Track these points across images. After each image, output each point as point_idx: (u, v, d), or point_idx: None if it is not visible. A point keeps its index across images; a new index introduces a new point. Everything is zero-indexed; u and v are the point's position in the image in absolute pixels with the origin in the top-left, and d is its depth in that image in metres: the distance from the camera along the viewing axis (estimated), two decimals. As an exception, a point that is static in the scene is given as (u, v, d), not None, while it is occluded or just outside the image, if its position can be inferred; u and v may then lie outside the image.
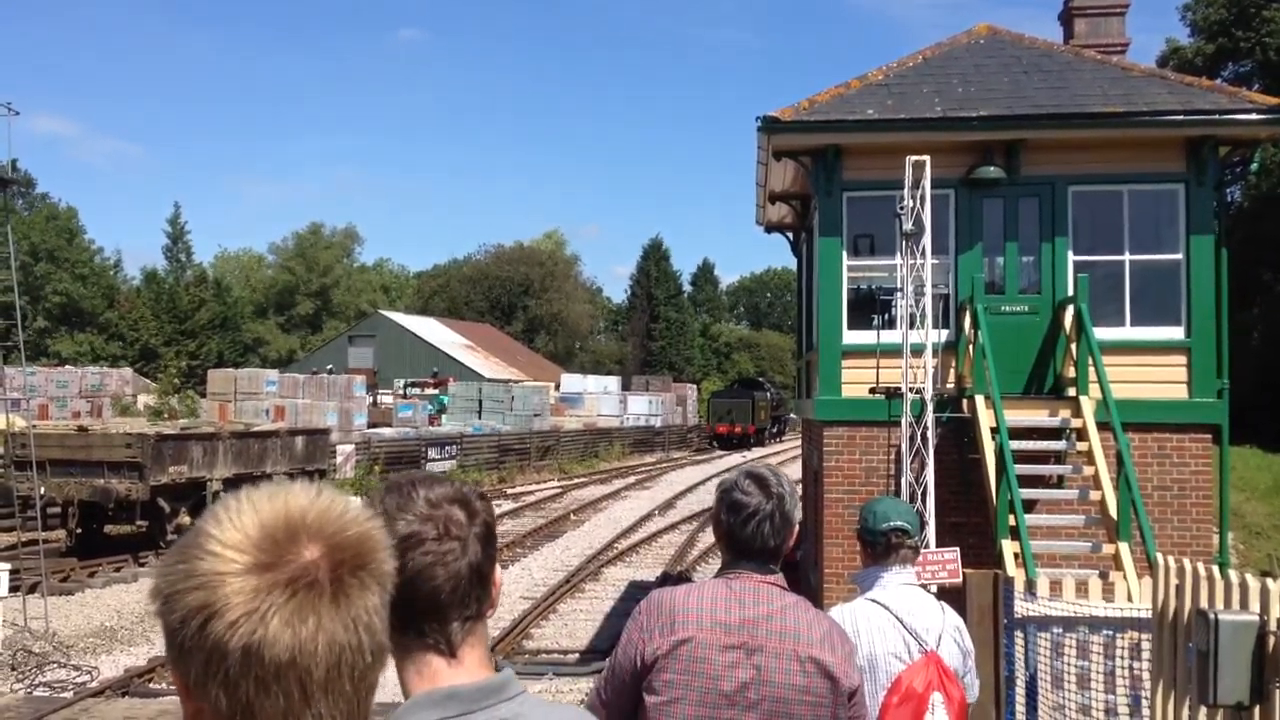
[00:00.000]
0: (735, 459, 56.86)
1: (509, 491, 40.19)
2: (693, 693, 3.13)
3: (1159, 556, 6.65)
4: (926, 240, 13.29)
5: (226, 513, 1.34)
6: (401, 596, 1.81)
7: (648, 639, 3.17)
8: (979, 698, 7.83)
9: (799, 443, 68.72)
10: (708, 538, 25.73)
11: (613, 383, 76.61)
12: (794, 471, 29.38)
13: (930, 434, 13.25)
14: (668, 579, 21.02)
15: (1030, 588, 8.49)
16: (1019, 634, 8.23)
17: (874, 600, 4.83)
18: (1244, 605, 5.49)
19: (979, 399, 13.36)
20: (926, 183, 13.24)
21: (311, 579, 1.28)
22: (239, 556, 1.28)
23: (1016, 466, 12.30)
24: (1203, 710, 5.56)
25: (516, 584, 21.78)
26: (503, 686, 1.91)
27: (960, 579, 8.80)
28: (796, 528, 3.54)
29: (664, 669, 3.13)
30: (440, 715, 1.85)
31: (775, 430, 78.85)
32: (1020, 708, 8.16)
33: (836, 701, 3.27)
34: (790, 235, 20.89)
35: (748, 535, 3.39)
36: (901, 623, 4.76)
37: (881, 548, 4.92)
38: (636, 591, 20.80)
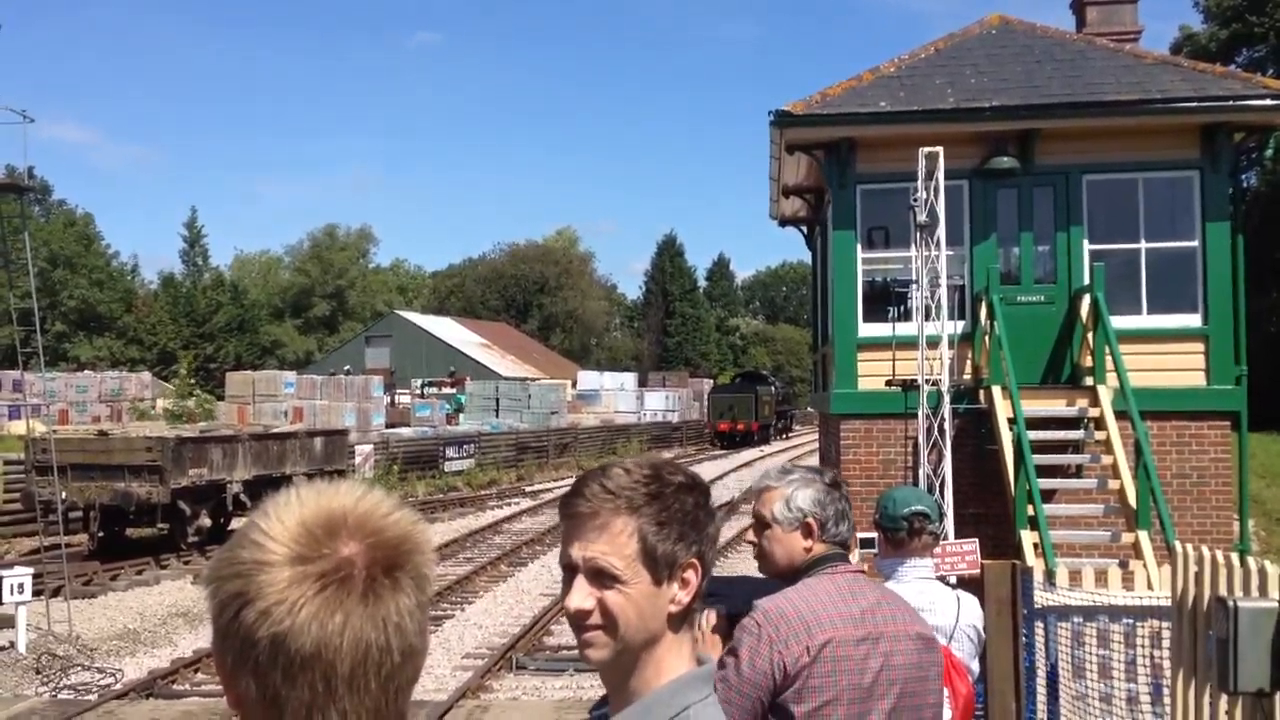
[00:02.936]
0: (750, 454, 56.52)
1: (527, 489, 40.25)
2: (842, 692, 3.13)
3: (1178, 544, 6.64)
4: (941, 231, 13.28)
5: (275, 507, 1.37)
6: (704, 589, 1.95)
7: (784, 649, 3.11)
8: (1000, 688, 7.83)
9: (808, 440, 68.57)
10: (728, 530, 25.67)
11: (629, 379, 76.62)
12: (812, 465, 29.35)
13: (948, 425, 13.25)
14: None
15: (1050, 577, 8.48)
16: (1039, 624, 8.22)
17: None
18: (1263, 592, 5.48)
19: (996, 390, 13.35)
20: (940, 174, 13.23)
21: (344, 575, 1.30)
22: (278, 548, 1.31)
23: (1035, 456, 12.28)
24: (1223, 698, 5.55)
25: (536, 581, 21.82)
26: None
27: (979, 570, 8.80)
28: None
29: (811, 675, 3.10)
30: (708, 690, 1.92)
31: (781, 426, 74.91)
32: (1041, 698, 8.15)
33: (940, 672, 3.41)
34: (804, 229, 20.88)
35: (841, 531, 3.54)
36: None
37: (904, 534, 4.85)
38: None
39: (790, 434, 78.25)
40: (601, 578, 1.89)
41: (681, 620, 1.92)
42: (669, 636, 1.91)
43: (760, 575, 3.69)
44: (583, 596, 1.90)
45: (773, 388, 71.85)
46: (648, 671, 1.91)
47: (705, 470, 46.91)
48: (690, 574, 1.91)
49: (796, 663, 3.10)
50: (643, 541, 1.89)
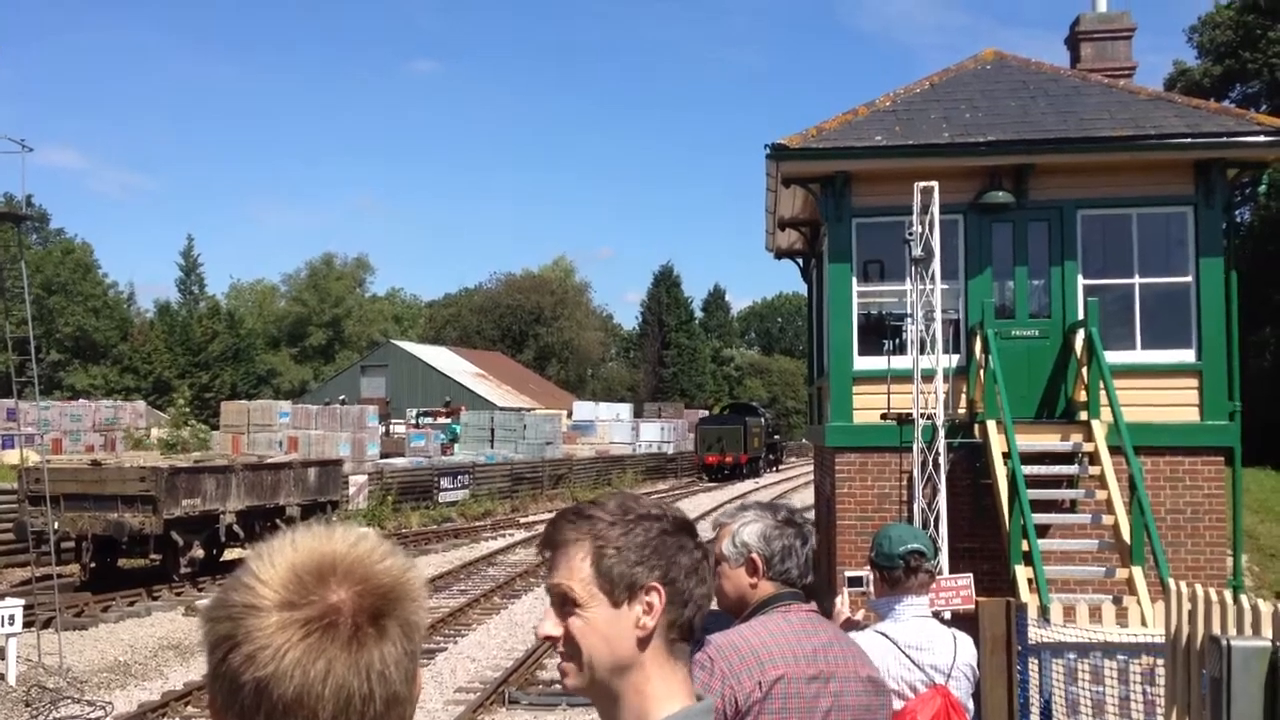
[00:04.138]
0: (745, 486, 56.46)
1: (522, 520, 40.15)
2: None
3: (1171, 581, 6.63)
4: (936, 265, 13.32)
5: (269, 550, 1.38)
6: (690, 616, 1.94)
7: (736, 684, 3.07)
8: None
9: (797, 473, 68.36)
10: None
11: (625, 410, 76.68)
12: (805, 498, 29.35)
13: (942, 459, 13.24)
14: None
15: (1044, 614, 8.47)
16: (1033, 660, 8.20)
17: (881, 633, 4.79)
18: (1256, 631, 5.47)
19: (990, 424, 13.35)
20: (935, 208, 13.27)
21: (329, 621, 1.30)
22: (267, 593, 1.31)
23: (1029, 491, 12.28)
24: (1218, 737, 5.53)
25: (529, 614, 21.74)
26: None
27: (974, 605, 8.78)
28: None
29: (762, 711, 3.07)
30: None
31: (771, 459, 73.40)
32: (1035, 735, 8.12)
33: (888, 715, 3.40)
34: (800, 261, 20.93)
35: (799, 569, 3.51)
36: (909, 658, 4.71)
37: (900, 572, 4.83)
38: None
39: (780, 466, 77.19)
40: (565, 604, 1.95)
41: (658, 646, 1.92)
42: (646, 665, 1.91)
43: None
44: (550, 624, 1.98)
45: (762, 419, 70.57)
46: (633, 702, 1.91)
47: (697, 503, 46.88)
48: (653, 598, 1.92)
49: (748, 698, 3.07)
50: (596, 565, 1.94)
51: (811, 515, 26.30)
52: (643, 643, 1.92)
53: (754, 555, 3.49)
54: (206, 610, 1.37)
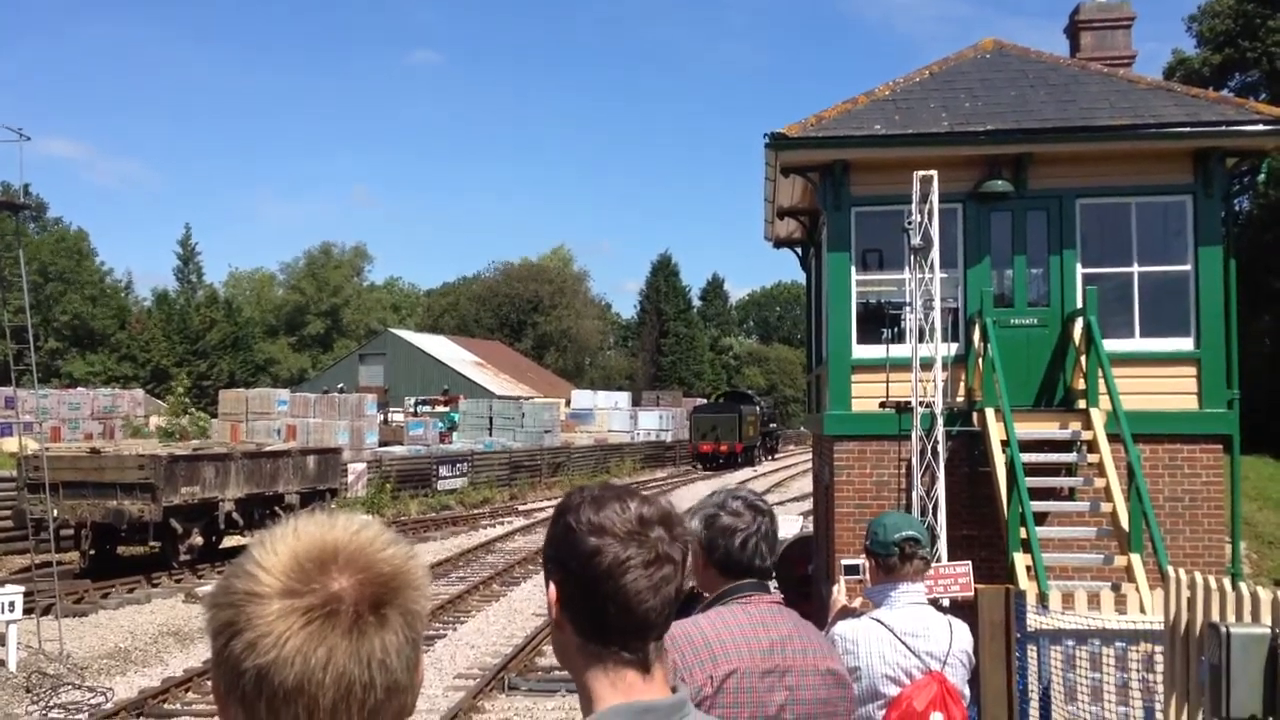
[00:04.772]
0: (743, 474, 56.49)
1: (520, 508, 40.21)
2: None
3: (1170, 569, 6.66)
4: (935, 254, 13.32)
5: (272, 538, 1.39)
6: (610, 613, 1.89)
7: (688, 677, 3.04)
8: (994, 711, 7.83)
9: (793, 462, 68.27)
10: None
11: (623, 398, 76.73)
12: (802, 486, 29.35)
13: (941, 448, 13.26)
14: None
15: (1042, 601, 8.50)
16: (1032, 647, 8.23)
17: (878, 620, 4.80)
18: (1255, 618, 5.50)
19: (989, 412, 13.36)
20: (934, 197, 13.27)
21: (330, 610, 1.31)
22: (269, 580, 1.32)
23: (1027, 479, 12.29)
24: (1216, 723, 5.55)
25: (528, 600, 21.79)
26: (684, 705, 1.93)
27: (972, 593, 8.80)
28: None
29: (713, 705, 3.05)
30: None
31: (767, 447, 73.30)
32: (1034, 721, 8.15)
33: (850, 709, 3.35)
34: (799, 250, 20.92)
35: (746, 557, 3.40)
36: (904, 645, 4.73)
37: (895, 559, 4.85)
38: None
39: (776, 455, 76.97)
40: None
41: (579, 643, 1.93)
42: (575, 660, 1.95)
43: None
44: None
45: (758, 407, 70.21)
46: (580, 696, 1.97)
47: (695, 490, 46.88)
48: (551, 588, 1.97)
49: (699, 692, 3.04)
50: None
51: (809, 504, 26.31)
52: (555, 636, 1.99)
53: (696, 542, 3.38)
54: (209, 597, 1.38)
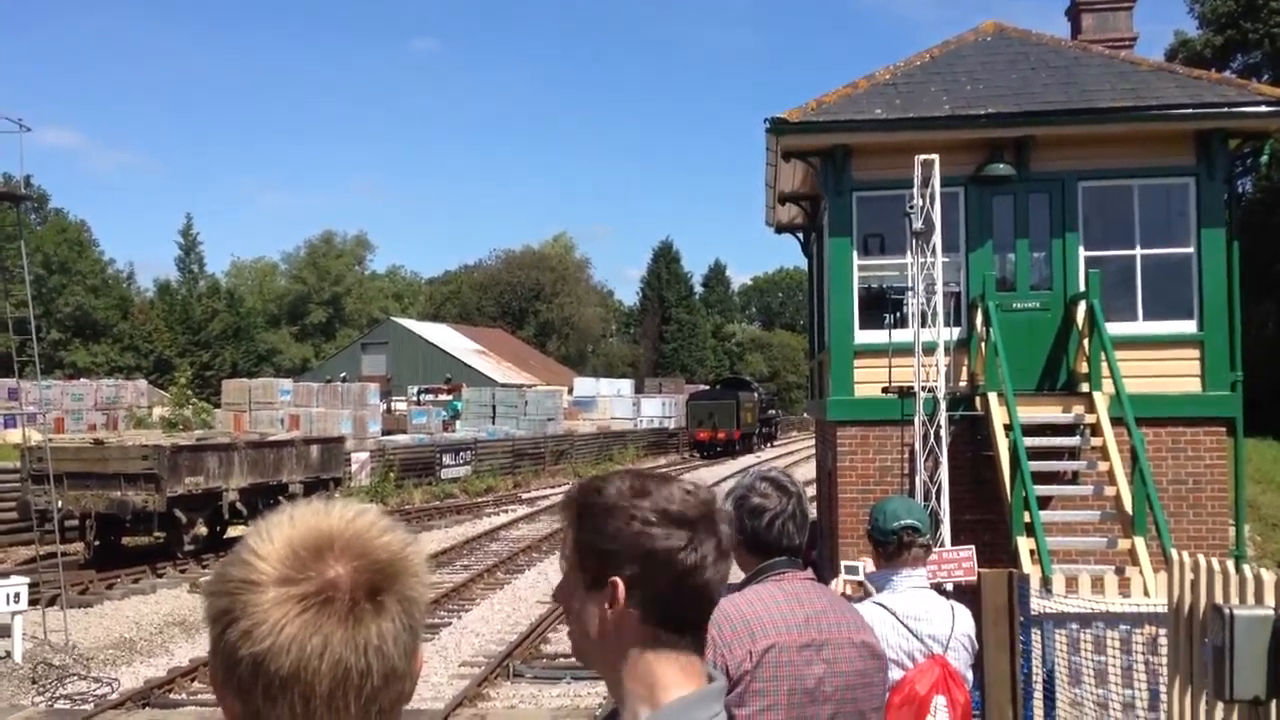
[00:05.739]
0: (746, 460, 56.45)
1: (524, 496, 40.24)
2: (784, 696, 3.15)
3: (1174, 551, 6.65)
4: (937, 238, 13.29)
5: (268, 525, 1.38)
6: (688, 602, 1.87)
7: (728, 653, 3.12)
8: (997, 695, 7.84)
9: (794, 448, 68.21)
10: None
11: (625, 385, 76.76)
12: (804, 473, 29.36)
13: (944, 432, 13.25)
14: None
15: (1046, 584, 8.49)
16: (1036, 631, 8.23)
17: (879, 604, 4.81)
18: (1259, 600, 5.49)
19: (992, 396, 13.35)
20: (936, 181, 13.24)
21: (326, 597, 1.30)
22: (265, 568, 1.31)
23: (1031, 463, 12.29)
24: (1220, 705, 5.56)
25: (533, 588, 21.82)
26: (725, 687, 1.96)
27: (975, 577, 8.80)
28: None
29: (754, 679, 3.11)
30: (719, 708, 1.87)
31: (765, 434, 72.67)
32: (1038, 705, 8.16)
33: (884, 680, 3.45)
34: (801, 235, 20.90)
35: (774, 536, 3.47)
36: (907, 628, 4.74)
37: (893, 547, 4.86)
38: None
39: (775, 442, 76.58)
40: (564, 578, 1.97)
41: (635, 634, 1.88)
42: (632, 650, 1.87)
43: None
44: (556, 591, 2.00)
45: (756, 394, 69.48)
46: (630, 685, 1.88)
47: (697, 476, 46.72)
48: (620, 585, 1.87)
49: (739, 667, 3.11)
50: (576, 548, 1.93)
51: (812, 490, 26.33)
52: (610, 629, 1.89)
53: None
54: (206, 585, 1.38)
